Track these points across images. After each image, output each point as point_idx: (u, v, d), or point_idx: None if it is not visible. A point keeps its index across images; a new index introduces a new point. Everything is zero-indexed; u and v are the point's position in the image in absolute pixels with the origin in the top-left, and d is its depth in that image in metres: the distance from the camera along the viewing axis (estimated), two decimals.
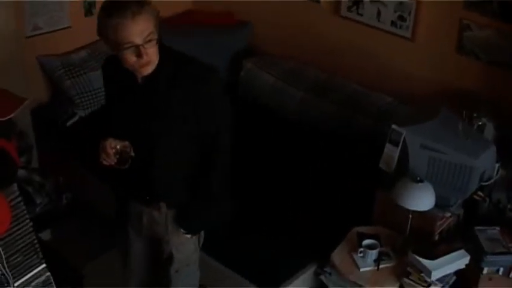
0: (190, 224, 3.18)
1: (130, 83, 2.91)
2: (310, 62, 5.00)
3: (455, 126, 3.76)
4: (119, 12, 2.69)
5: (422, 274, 3.50)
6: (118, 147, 2.88)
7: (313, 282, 3.81)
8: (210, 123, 2.97)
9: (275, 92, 4.85)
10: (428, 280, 3.48)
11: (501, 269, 3.70)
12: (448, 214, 3.78)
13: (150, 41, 2.74)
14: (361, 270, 3.58)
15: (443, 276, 3.54)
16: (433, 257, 3.51)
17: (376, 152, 3.83)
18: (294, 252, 3.80)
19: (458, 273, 3.62)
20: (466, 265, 3.61)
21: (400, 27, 4.53)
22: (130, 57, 2.76)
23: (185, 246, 3.25)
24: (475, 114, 4.02)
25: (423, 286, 3.47)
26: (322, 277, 3.70)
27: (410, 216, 3.62)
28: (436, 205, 3.66)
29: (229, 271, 3.78)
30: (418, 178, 3.58)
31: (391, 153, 3.75)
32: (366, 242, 3.65)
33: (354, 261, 3.62)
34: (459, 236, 3.80)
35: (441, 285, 3.53)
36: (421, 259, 3.50)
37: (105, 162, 2.91)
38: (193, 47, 4.75)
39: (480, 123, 4.02)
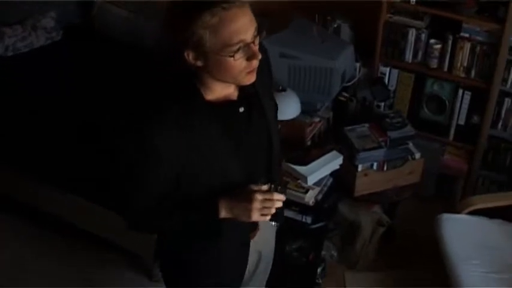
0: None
1: (219, 115, 2.11)
2: None
3: (310, 31, 3.77)
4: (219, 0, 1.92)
5: (299, 181, 3.53)
6: (265, 187, 2.15)
7: None
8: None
9: (130, 25, 4.69)
10: (306, 185, 3.52)
11: (375, 164, 3.81)
12: (317, 119, 3.83)
13: (256, 35, 2.00)
14: None
15: (320, 180, 3.59)
16: (306, 162, 3.55)
17: None
18: None
19: (334, 174, 3.68)
20: (341, 165, 3.68)
21: None
22: (240, 63, 1.99)
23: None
24: (329, 17, 4.04)
25: (301, 192, 3.51)
26: None
27: (279, 126, 3.63)
28: (303, 112, 3.69)
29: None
30: (281, 87, 3.58)
31: None
32: None
33: None
34: (331, 139, 3.86)
35: (319, 188, 3.58)
36: (295, 166, 3.53)
37: (272, 211, 2.15)
38: None
39: (335, 25, 4.05)
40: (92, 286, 3.75)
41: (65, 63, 4.49)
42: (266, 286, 2.83)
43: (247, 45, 1.97)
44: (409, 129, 3.86)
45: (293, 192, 3.49)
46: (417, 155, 3.84)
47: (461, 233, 3.53)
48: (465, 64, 3.90)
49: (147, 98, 2.11)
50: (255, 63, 2.02)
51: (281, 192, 2.14)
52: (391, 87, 4.12)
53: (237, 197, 2.14)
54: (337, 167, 3.64)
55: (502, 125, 4.00)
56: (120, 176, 2.17)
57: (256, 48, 1.99)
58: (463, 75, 3.94)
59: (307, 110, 3.72)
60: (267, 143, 2.31)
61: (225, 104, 2.13)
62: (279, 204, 2.13)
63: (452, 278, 3.32)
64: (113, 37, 4.73)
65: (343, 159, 3.66)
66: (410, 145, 3.86)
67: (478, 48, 3.83)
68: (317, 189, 3.56)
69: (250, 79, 2.06)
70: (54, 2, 4.76)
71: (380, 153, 3.77)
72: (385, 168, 3.82)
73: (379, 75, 4.09)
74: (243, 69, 2.01)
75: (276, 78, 3.62)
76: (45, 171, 3.85)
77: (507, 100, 3.91)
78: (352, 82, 3.99)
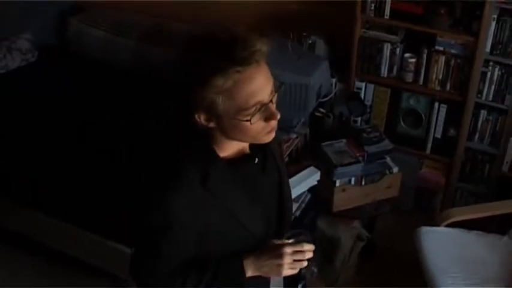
0: None
1: (236, 170, 1.97)
2: (138, 10, 4.85)
3: (285, 48, 3.78)
4: (237, 60, 1.72)
5: None
6: (290, 240, 2.04)
7: None
8: None
9: (107, 45, 4.69)
10: None
11: (353, 179, 3.81)
12: (294, 135, 3.83)
13: (273, 92, 1.83)
14: None
15: (298, 196, 3.59)
16: None
17: None
18: None
19: (312, 190, 3.68)
20: (319, 181, 3.68)
21: None
22: (258, 125, 1.82)
23: None
24: (304, 34, 4.05)
25: None
26: None
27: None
28: (280, 128, 3.62)
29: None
30: None
31: None
32: None
33: None
34: (308, 155, 3.86)
35: (297, 204, 3.57)
36: None
37: (304, 264, 2.02)
38: (13, 8, 4.59)
39: (310, 41, 4.06)
40: None
41: (41, 85, 4.46)
42: None
43: (264, 106, 1.79)
44: (386, 144, 3.87)
45: None
46: (395, 169, 3.85)
47: (441, 245, 3.54)
48: (440, 77, 3.92)
49: (164, 162, 1.99)
50: (274, 123, 1.85)
51: (308, 242, 2.01)
52: (367, 102, 4.13)
53: (264, 254, 2.00)
54: (315, 182, 3.65)
55: (478, 137, 4.02)
56: (140, 247, 2.05)
57: (274, 107, 1.82)
58: (438, 88, 3.96)
59: (284, 126, 3.71)
60: (278, 188, 2.19)
61: (240, 158, 1.98)
62: (310, 255, 2.00)
63: None
64: (89, 57, 4.72)
65: (321, 175, 3.67)
66: (388, 159, 3.87)
67: (453, 61, 3.85)
68: (295, 205, 3.54)
69: (270, 137, 1.90)
70: (29, 23, 4.74)
71: (358, 168, 3.77)
72: (363, 183, 3.83)
73: (355, 90, 4.09)
74: (261, 131, 1.85)
75: None
76: (26, 196, 3.81)
77: (483, 112, 3.93)
78: (328, 98, 4.00)
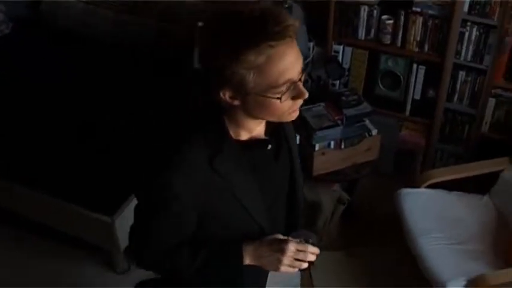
0: None
1: (247, 155, 1.91)
2: None
3: None
4: (271, 35, 1.68)
5: None
6: (298, 240, 1.97)
7: None
8: None
9: (81, 16, 4.61)
10: None
11: (332, 143, 3.79)
12: None
13: (301, 71, 1.79)
14: None
15: None
16: None
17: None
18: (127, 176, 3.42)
19: None
20: (298, 145, 3.64)
21: None
22: (286, 104, 1.78)
23: None
24: None
25: None
26: None
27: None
28: None
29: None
30: None
31: None
32: None
33: None
34: None
35: None
36: None
37: (304, 265, 1.97)
38: None
39: (287, 5, 4.01)
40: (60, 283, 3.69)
41: (16, 56, 4.42)
42: None
43: (293, 84, 1.75)
44: (365, 106, 3.85)
45: None
46: (374, 132, 3.83)
47: (421, 206, 3.55)
48: (418, 38, 3.90)
49: (172, 138, 1.93)
50: (300, 102, 1.81)
51: (314, 245, 1.96)
52: (346, 65, 4.11)
53: (266, 245, 1.96)
54: None
55: (457, 98, 4.01)
56: (139, 219, 2.01)
57: (302, 86, 1.78)
58: (416, 49, 3.94)
59: None
60: (289, 180, 2.16)
61: (254, 143, 1.94)
62: (312, 258, 1.96)
63: (415, 251, 3.34)
64: (63, 28, 4.65)
65: (300, 139, 3.65)
66: (367, 122, 3.86)
67: (430, 22, 3.83)
68: None
69: (293, 117, 1.87)
70: None
71: (337, 131, 3.75)
72: (342, 146, 3.81)
73: (332, 53, 4.07)
74: (287, 109, 1.80)
75: None
76: (8, 170, 3.76)
77: (461, 73, 3.92)
78: (306, 62, 3.97)
